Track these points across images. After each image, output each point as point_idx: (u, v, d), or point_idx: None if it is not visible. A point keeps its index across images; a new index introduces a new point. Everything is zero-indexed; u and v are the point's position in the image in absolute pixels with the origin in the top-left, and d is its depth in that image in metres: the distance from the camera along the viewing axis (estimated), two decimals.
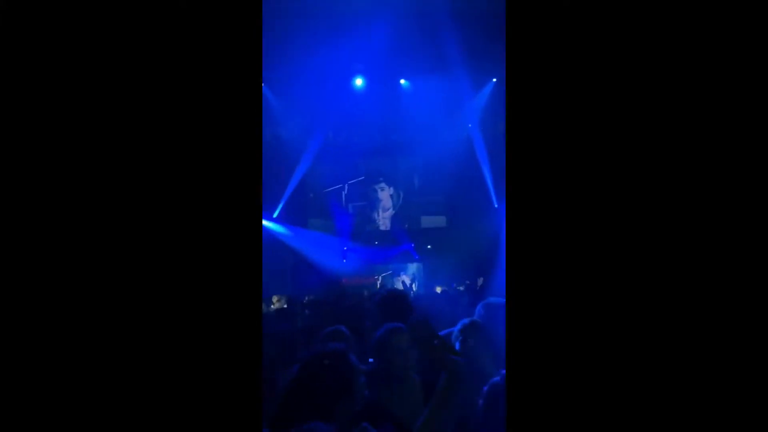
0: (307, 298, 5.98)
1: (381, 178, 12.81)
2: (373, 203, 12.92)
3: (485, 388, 1.81)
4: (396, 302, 2.85)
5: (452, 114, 11.69)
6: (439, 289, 8.47)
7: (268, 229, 11.31)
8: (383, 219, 12.94)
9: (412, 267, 12.78)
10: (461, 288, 8.82)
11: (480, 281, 8.87)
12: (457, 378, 1.64)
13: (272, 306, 5.89)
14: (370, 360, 2.20)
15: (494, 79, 11.32)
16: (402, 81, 11.80)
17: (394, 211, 12.92)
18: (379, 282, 12.19)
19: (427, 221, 12.84)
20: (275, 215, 11.81)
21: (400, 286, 11.57)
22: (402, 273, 12.66)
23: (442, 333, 2.22)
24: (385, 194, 12.94)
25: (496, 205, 11.78)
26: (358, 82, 11.55)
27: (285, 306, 5.59)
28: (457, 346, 2.40)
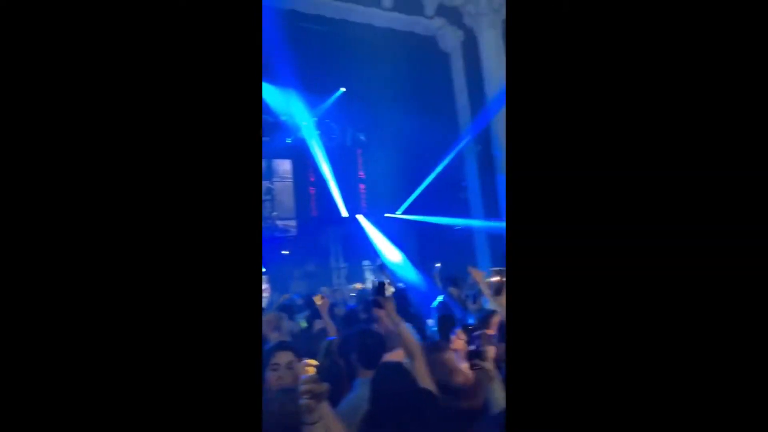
0: None
1: None
2: None
3: None
4: None
5: (291, 118, 11.16)
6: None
7: None
8: None
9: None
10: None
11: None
12: None
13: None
14: None
15: (342, 89, 10.96)
16: None
17: None
18: None
19: (276, 227, 12.37)
20: None
21: None
22: None
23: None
24: None
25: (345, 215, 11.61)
26: None
27: None
28: None
